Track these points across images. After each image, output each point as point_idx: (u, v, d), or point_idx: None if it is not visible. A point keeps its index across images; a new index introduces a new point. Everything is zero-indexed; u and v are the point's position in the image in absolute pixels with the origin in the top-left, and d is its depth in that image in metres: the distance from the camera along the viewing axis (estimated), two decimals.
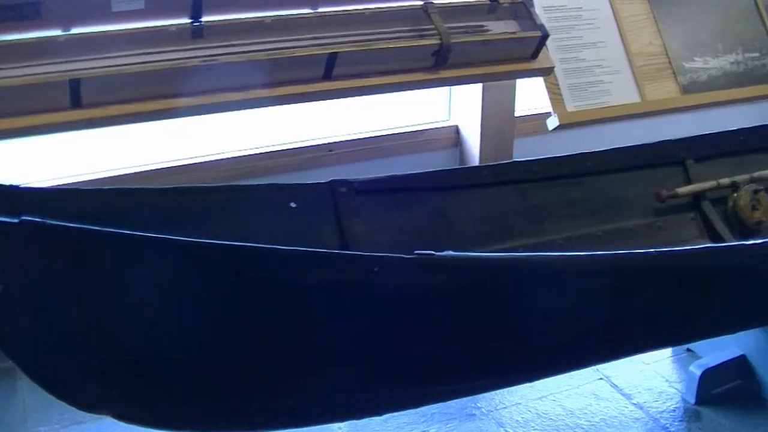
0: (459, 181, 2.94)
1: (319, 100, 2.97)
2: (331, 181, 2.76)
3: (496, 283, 2.06)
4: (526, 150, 3.46)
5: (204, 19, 2.73)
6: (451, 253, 1.94)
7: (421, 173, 2.87)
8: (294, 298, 1.87)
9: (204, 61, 2.70)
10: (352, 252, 2.44)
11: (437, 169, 2.97)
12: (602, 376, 3.22)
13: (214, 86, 2.73)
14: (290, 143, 3.61)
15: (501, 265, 2.06)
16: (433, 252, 1.91)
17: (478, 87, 3.64)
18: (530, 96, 3.83)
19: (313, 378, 2.02)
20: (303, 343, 1.96)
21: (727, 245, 2.57)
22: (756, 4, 3.98)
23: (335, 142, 3.67)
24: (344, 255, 2.01)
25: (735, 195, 3.32)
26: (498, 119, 3.72)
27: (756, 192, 3.31)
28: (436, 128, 3.83)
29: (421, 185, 2.85)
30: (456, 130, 3.83)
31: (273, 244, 1.78)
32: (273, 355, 1.94)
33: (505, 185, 3.01)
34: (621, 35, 3.57)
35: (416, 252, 1.90)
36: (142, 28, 2.65)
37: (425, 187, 2.86)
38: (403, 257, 1.89)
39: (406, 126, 3.80)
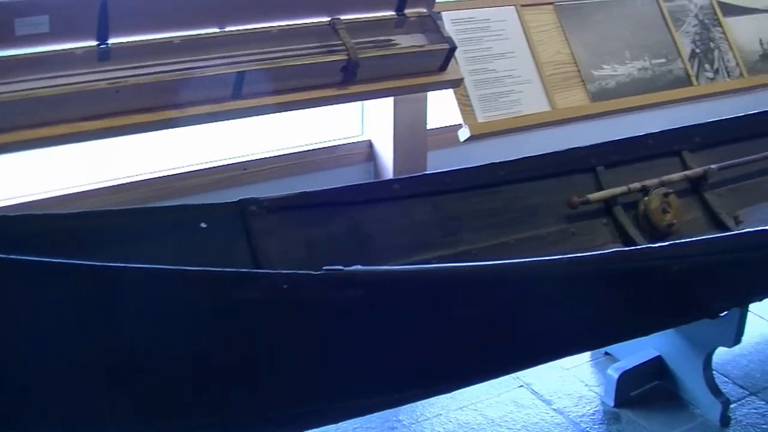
0: (371, 195, 2.97)
1: (229, 119, 2.98)
2: (241, 200, 2.77)
3: (406, 295, 2.09)
4: (440, 162, 3.50)
5: (110, 41, 2.73)
6: (359, 267, 1.97)
7: (332, 189, 2.90)
8: (203, 318, 1.88)
9: (111, 83, 2.70)
10: (258, 270, 2.46)
11: (350, 184, 2.99)
12: (522, 384, 3.27)
13: (121, 108, 2.73)
14: (205, 163, 3.61)
15: (410, 277, 2.09)
16: (341, 267, 1.94)
17: (389, 101, 3.68)
18: (443, 108, 3.87)
19: (226, 396, 2.03)
20: (215, 363, 1.97)
21: (637, 248, 2.63)
22: (661, 12, 4.09)
23: (250, 161, 3.68)
24: (250, 274, 2.02)
25: (646, 199, 3.40)
26: (410, 132, 3.76)
27: (666, 195, 3.40)
28: (350, 143, 3.86)
29: (332, 201, 2.88)
30: (369, 144, 3.86)
31: (182, 266, 1.79)
32: (183, 377, 1.94)
33: (417, 198, 3.05)
34: (530, 45, 3.64)
35: (325, 268, 1.92)
36: (48, 51, 2.64)
37: (337, 202, 2.88)
38: (311, 273, 1.91)
39: (321, 142, 3.82)
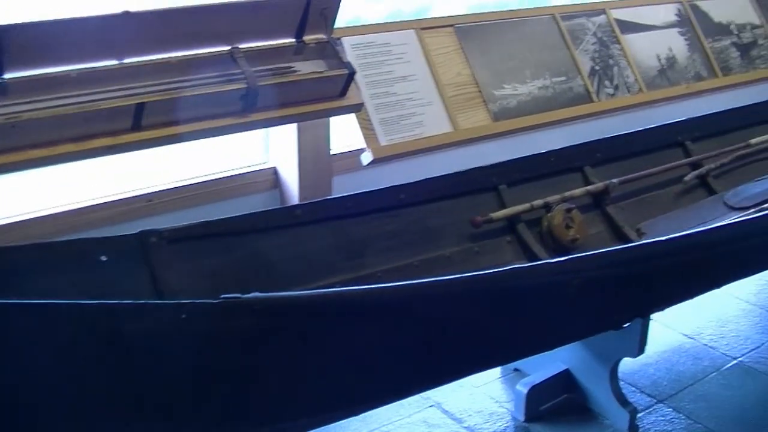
0: (273, 222, 3.01)
1: (130, 151, 3.00)
2: (141, 231, 2.79)
3: (306, 319, 2.13)
4: (347, 187, 3.55)
5: (6, 76, 2.74)
6: (257, 294, 2.01)
7: (233, 217, 2.93)
8: (102, 351, 1.90)
9: (8, 118, 2.70)
10: (155, 301, 2.48)
11: (252, 211, 3.02)
12: (433, 403, 3.33)
13: (20, 144, 2.73)
14: (108, 196, 3.61)
15: (309, 302, 2.13)
16: (239, 295, 1.98)
17: (293, 127, 3.73)
18: (349, 132, 3.92)
19: (127, 429, 2.05)
20: (116, 395, 1.99)
21: (534, 264, 2.71)
22: (560, 31, 4.21)
23: (155, 192, 3.69)
24: (148, 305, 2.04)
25: (549, 215, 3.49)
26: (315, 158, 3.81)
27: (569, 211, 3.49)
28: (255, 171, 3.89)
29: (234, 229, 2.91)
30: (275, 171, 3.90)
31: (81, 299, 1.81)
32: (82, 412, 1.96)
33: (320, 223, 3.09)
34: (430, 67, 3.72)
35: (222, 296, 1.96)
36: None
37: (239, 230, 2.92)
38: (210, 302, 1.95)
39: (226, 171, 3.85)
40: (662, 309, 3.20)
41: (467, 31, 3.93)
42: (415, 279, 2.38)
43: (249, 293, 2.00)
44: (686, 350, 3.73)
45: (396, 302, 2.27)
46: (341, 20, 3.45)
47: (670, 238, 2.86)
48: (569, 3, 4.48)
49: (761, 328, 3.89)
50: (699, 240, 2.98)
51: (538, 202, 3.48)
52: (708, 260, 3.07)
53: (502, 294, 2.50)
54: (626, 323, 3.05)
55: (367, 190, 3.24)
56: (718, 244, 3.07)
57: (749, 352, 3.71)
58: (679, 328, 3.85)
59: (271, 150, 3.93)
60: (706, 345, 3.75)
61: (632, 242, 3.53)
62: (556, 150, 3.73)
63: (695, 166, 4.14)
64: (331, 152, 3.92)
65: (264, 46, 3.25)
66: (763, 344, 3.76)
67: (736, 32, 5.00)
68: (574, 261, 2.63)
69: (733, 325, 3.91)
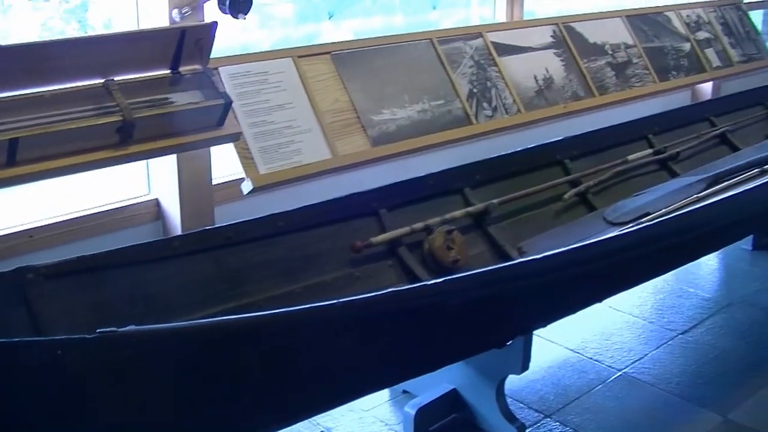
0: (151, 254, 3.02)
1: (5, 187, 3.00)
2: (17, 268, 2.79)
3: (184, 351, 2.17)
4: (230, 216, 3.56)
5: None
6: (133, 327, 2.04)
7: (111, 251, 2.95)
8: None
9: None
10: (30, 339, 2.48)
11: (130, 244, 3.04)
12: (322, 429, 3.38)
13: None
14: None
15: (186, 334, 2.16)
16: (115, 329, 2.01)
17: (173, 158, 3.75)
18: (229, 162, 3.95)
19: None
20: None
21: (409, 288, 2.71)
22: (438, 55, 4.31)
23: (36, 228, 3.67)
24: (22, 342, 2.06)
25: (430, 237, 3.57)
26: (196, 188, 3.83)
27: (449, 232, 3.58)
28: (137, 203, 3.90)
29: (112, 263, 2.92)
30: (157, 203, 3.91)
31: None
32: None
33: (200, 253, 3.13)
34: (308, 95, 3.78)
35: (99, 331, 1.99)
36: None
37: (117, 264, 2.93)
38: (85, 337, 1.97)
39: (108, 204, 3.85)
40: (544, 325, 3.30)
41: (344, 57, 4.01)
42: (296, 306, 2.41)
43: (126, 327, 2.02)
44: (572, 364, 3.84)
45: (275, 330, 2.32)
46: (229, 47, 3.48)
47: (547, 256, 2.97)
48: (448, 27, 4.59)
49: (644, 339, 4.04)
50: (577, 256, 3.09)
51: (419, 225, 3.56)
52: (588, 275, 3.18)
53: (383, 317, 2.57)
54: (509, 341, 3.14)
55: (247, 219, 3.27)
56: (596, 259, 3.19)
57: (633, 363, 3.84)
58: (564, 343, 3.97)
59: (152, 181, 3.94)
60: (590, 358, 3.88)
61: (512, 261, 3.63)
62: (435, 173, 3.82)
63: (574, 183, 4.28)
64: (213, 182, 3.95)
65: (139, 78, 3.27)
66: (646, 355, 3.90)
67: (610, 52, 5.19)
68: (452, 282, 2.70)
69: (617, 337, 4.05)
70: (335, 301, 2.41)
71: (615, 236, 3.39)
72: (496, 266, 2.90)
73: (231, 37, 4.38)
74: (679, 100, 6.38)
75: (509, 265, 3.09)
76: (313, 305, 2.38)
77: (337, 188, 3.67)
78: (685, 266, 4.38)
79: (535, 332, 3.31)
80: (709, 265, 4.88)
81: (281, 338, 2.36)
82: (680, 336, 4.07)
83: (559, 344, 3.96)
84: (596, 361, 3.86)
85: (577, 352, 3.92)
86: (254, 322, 2.27)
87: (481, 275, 2.79)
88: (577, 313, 3.40)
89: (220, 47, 3.46)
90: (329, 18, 5.44)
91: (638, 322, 4.20)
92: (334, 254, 3.40)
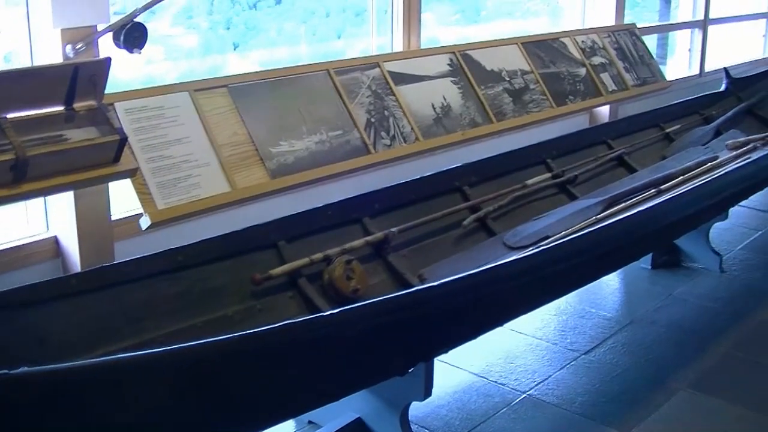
0: (49, 293, 3.00)
1: None
2: None
3: (80, 390, 2.17)
4: (130, 251, 3.56)
5: None
6: (26, 369, 2.04)
7: (7, 291, 2.93)
8: None
9: None
10: None
11: (27, 284, 3.02)
12: None
13: None
14: None
15: (81, 373, 2.16)
16: (7, 371, 2.00)
17: (70, 195, 3.74)
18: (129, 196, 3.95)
19: None
20: None
21: (312, 317, 2.73)
22: (335, 86, 4.38)
23: None
24: None
25: (329, 268, 3.60)
26: (95, 225, 3.83)
27: (349, 262, 3.63)
28: (35, 241, 3.88)
29: (8, 303, 2.89)
30: (55, 240, 3.90)
31: None
32: None
33: (98, 290, 3.12)
34: (206, 129, 3.82)
35: None
36: None
37: (12, 304, 2.91)
38: None
39: (4, 243, 3.82)
40: (446, 351, 3.36)
41: (242, 90, 4.06)
42: (196, 340, 2.43)
43: (20, 368, 2.02)
44: (477, 388, 3.92)
45: (172, 366, 2.33)
46: (134, 80, 3.49)
47: (445, 282, 3.03)
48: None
49: (547, 361, 4.13)
50: (476, 281, 3.16)
51: (318, 255, 3.59)
52: (488, 299, 3.26)
53: (282, 349, 2.60)
54: (410, 368, 3.19)
55: (145, 254, 3.29)
56: (496, 282, 3.27)
57: (537, 385, 3.93)
58: (469, 368, 4.04)
59: (50, 219, 3.93)
60: (495, 382, 3.95)
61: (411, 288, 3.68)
62: (333, 203, 3.87)
63: (474, 209, 4.37)
64: (113, 217, 3.95)
65: (33, 115, 3.27)
66: (549, 376, 4.00)
67: (507, 79, 5.32)
68: (347, 312, 2.74)
69: (521, 360, 4.14)
70: (233, 335, 2.44)
71: (513, 260, 3.46)
72: (391, 295, 2.95)
73: (136, 69, 4.40)
74: (577, 123, 6.57)
75: (405, 293, 3.12)
76: (210, 340, 2.41)
77: (237, 221, 3.69)
78: (586, 287, 4.49)
79: (440, 358, 3.37)
80: (610, 285, 5.01)
81: (179, 374, 2.37)
82: (583, 356, 4.17)
83: (463, 369, 4.03)
84: (501, 384, 3.93)
85: (482, 376, 4.00)
86: (150, 359, 2.28)
87: (375, 304, 2.83)
88: (481, 337, 3.46)
89: (124, 80, 3.47)
90: (234, 49, 5.49)
91: (541, 344, 4.30)
92: (235, 287, 3.42)
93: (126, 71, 3.41)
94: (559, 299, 4.49)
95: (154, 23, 4.93)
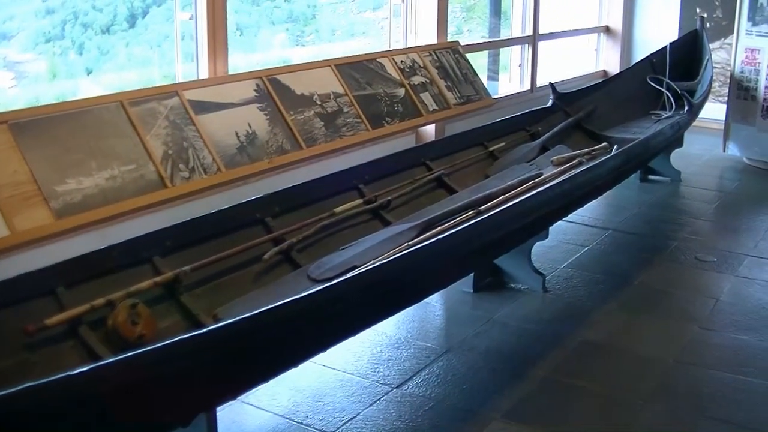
0: None
1: None
2: None
3: None
4: None
5: None
6: None
7: None
8: None
9: None
10: None
11: None
12: None
13: None
14: None
15: None
16: None
17: None
18: None
19: None
20: None
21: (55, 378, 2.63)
22: (129, 117, 4.25)
23: None
24: None
25: (113, 313, 3.46)
26: None
27: (134, 306, 3.48)
28: None
29: None
30: None
31: None
32: None
33: None
34: None
35: None
36: None
37: None
38: None
39: None
40: (233, 398, 3.26)
41: (24, 126, 3.91)
42: None
43: None
44: (282, 431, 3.81)
45: None
46: None
47: (223, 325, 2.94)
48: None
49: (357, 397, 4.05)
50: (263, 319, 3.06)
51: (100, 301, 3.43)
52: (281, 337, 3.18)
53: (52, 402, 2.49)
54: (192, 418, 3.07)
55: None
56: (291, 318, 3.18)
57: (344, 424, 3.85)
58: (274, 409, 3.92)
59: None
60: (301, 423, 3.85)
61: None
62: (119, 243, 3.70)
63: (277, 241, 4.25)
64: None
65: None
66: (358, 414, 3.91)
67: (319, 102, 5.26)
68: (106, 366, 2.63)
69: (330, 398, 4.04)
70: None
71: (308, 294, 3.31)
72: (158, 344, 2.81)
73: None
74: (404, 144, 6.51)
75: (170, 342, 2.92)
76: None
77: (21, 268, 3.51)
78: (404, 313, 4.45)
79: (243, 398, 3.25)
80: (429, 310, 4.97)
81: None
82: (395, 390, 4.10)
83: (267, 410, 3.91)
84: (306, 425, 3.84)
85: (287, 417, 3.89)
86: None
87: (150, 353, 2.72)
88: (288, 373, 3.40)
89: None
90: (88, 74, 5.34)
91: (352, 379, 4.22)
92: (7, 340, 3.24)
93: None
94: (375, 328, 4.41)
95: (3, 50, 4.85)
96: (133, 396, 2.71)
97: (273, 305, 3.14)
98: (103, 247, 3.66)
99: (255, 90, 4.95)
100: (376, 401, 4.02)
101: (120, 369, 2.64)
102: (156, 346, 2.79)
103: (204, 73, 5.25)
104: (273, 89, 5.03)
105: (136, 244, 3.77)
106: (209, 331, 2.99)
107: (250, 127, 4.78)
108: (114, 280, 3.62)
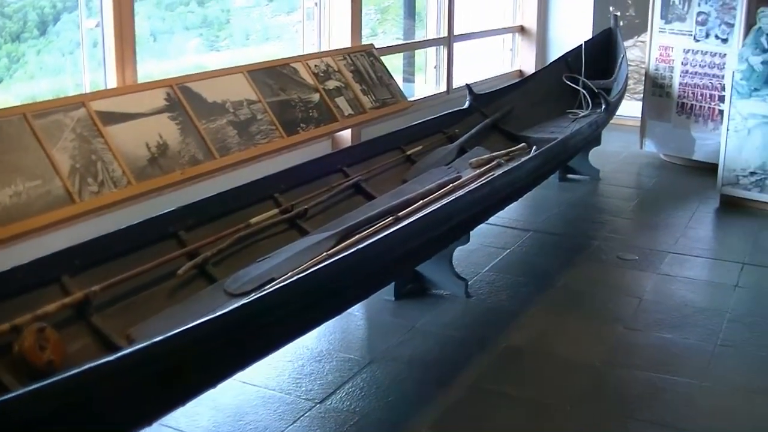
0: None
1: None
2: None
3: None
4: None
5: None
6: None
7: None
8: None
9: None
10: None
11: None
12: None
13: None
14: None
15: None
16: None
17: None
18: None
19: None
20: None
21: None
22: (32, 130, 4.08)
23: None
24: None
25: (19, 338, 3.29)
26: None
27: (42, 330, 3.31)
28: None
29: None
30: None
31: None
32: None
33: None
34: None
35: None
36: None
37: None
38: None
39: None
40: (150, 424, 3.12)
41: None
42: None
43: None
44: None
45: None
46: None
47: (136, 349, 2.82)
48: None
49: (279, 414, 3.93)
50: (174, 342, 2.94)
51: (4, 326, 3.27)
52: (199, 358, 3.07)
53: None
54: None
55: None
56: (209, 338, 3.06)
57: None
58: (194, 430, 3.79)
59: None
60: None
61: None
62: (24, 264, 3.52)
63: (192, 255, 4.11)
64: None
65: None
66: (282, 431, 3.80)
67: (232, 110, 5.13)
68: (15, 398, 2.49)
69: (251, 416, 3.92)
70: None
71: (229, 310, 3.20)
72: (68, 374, 2.66)
73: None
74: (321, 150, 6.41)
75: (85, 369, 2.74)
76: None
77: None
78: (325, 325, 4.34)
79: (162, 421, 3.11)
80: (350, 320, 4.87)
81: None
82: (318, 405, 3.99)
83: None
84: None
85: None
86: None
87: (39, 389, 2.56)
88: (208, 393, 3.27)
89: None
90: None
91: (275, 395, 4.09)
92: None
93: None
94: (296, 342, 4.28)
95: None
96: (42, 429, 2.57)
97: (189, 325, 3.02)
98: (7, 268, 3.48)
99: (165, 99, 4.81)
100: (299, 418, 3.91)
101: (28, 401, 2.49)
102: (67, 374, 2.65)
103: (112, 83, 5.06)
104: (184, 97, 4.89)
105: (42, 264, 3.60)
106: (122, 356, 2.84)
107: (161, 137, 4.63)
108: (19, 303, 3.44)
